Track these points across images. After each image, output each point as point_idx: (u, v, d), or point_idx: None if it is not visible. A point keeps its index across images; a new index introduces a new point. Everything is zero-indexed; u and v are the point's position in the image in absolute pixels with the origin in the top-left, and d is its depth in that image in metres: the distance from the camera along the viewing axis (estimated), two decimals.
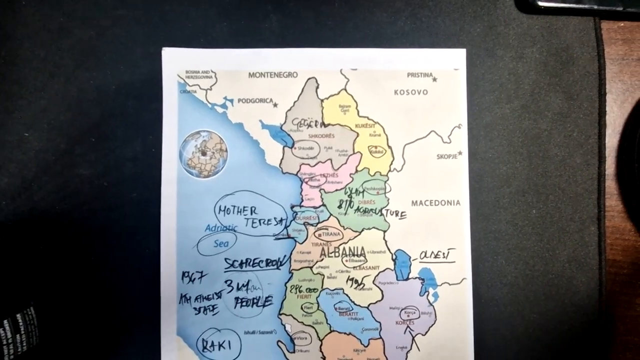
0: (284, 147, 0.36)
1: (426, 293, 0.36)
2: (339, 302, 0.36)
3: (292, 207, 0.36)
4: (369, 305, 0.36)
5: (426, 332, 0.36)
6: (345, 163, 0.36)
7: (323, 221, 0.36)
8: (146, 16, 0.36)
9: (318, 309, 0.36)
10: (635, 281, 0.37)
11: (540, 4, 0.36)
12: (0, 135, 0.36)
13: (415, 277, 0.36)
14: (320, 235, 0.36)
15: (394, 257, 0.36)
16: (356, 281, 0.36)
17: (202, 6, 0.36)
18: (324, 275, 0.36)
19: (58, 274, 0.35)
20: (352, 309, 0.36)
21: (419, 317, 0.36)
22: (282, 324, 0.36)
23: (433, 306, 0.36)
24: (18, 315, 0.30)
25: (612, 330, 0.37)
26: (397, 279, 0.36)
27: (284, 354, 0.36)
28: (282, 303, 0.36)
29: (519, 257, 0.36)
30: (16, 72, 0.36)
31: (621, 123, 0.37)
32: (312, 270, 0.36)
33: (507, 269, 0.36)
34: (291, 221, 0.36)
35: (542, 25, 0.37)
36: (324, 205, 0.36)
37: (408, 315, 0.36)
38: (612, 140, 0.37)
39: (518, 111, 0.37)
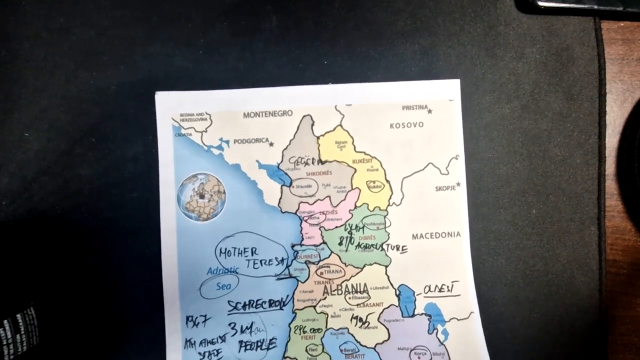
0: (282, 186, 0.36)
1: (435, 330, 0.35)
2: (344, 342, 0.35)
3: (292, 246, 0.36)
4: (375, 345, 0.35)
5: None
6: (344, 199, 0.36)
7: (324, 259, 0.36)
8: (146, 16, 0.36)
9: (323, 351, 0.35)
10: (635, 281, 0.37)
11: (540, 4, 0.36)
12: (0, 135, 0.36)
13: (422, 314, 0.35)
14: (322, 273, 0.36)
15: (397, 292, 0.36)
16: (360, 319, 0.35)
17: (202, 6, 0.36)
18: (327, 314, 0.35)
19: (58, 274, 0.35)
20: (359, 351, 0.35)
21: (431, 358, 0.35)
22: None
23: (444, 346, 0.35)
24: (18, 315, 0.30)
25: (612, 330, 0.37)
26: (402, 316, 0.35)
27: None
28: (286, 345, 0.35)
29: (519, 257, 0.36)
30: (16, 72, 0.36)
31: (621, 123, 0.37)
32: (315, 309, 0.35)
33: (507, 269, 0.36)
34: (292, 260, 0.36)
35: (542, 25, 0.37)
36: (324, 242, 0.36)
37: (419, 357, 0.35)
38: (612, 140, 0.37)
39: (518, 111, 0.37)
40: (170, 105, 0.35)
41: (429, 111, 0.36)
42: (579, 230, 0.36)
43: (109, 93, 0.36)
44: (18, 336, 0.29)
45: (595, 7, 0.36)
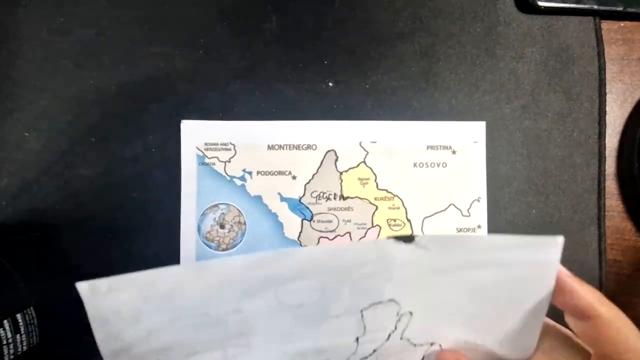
0: (302, 220, 0.36)
1: None
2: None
3: None
4: None
5: None
6: (364, 236, 0.36)
7: None
8: (146, 16, 0.36)
9: None
10: (635, 281, 0.37)
11: (540, 4, 0.36)
12: (0, 135, 0.36)
13: None
14: None
15: None
16: None
17: (202, 6, 0.36)
18: None
19: (58, 274, 0.35)
20: None
21: None
22: None
23: None
24: (18, 315, 0.30)
25: None
26: None
27: None
28: None
29: None
30: (16, 72, 0.36)
31: (621, 123, 0.37)
32: None
33: None
34: None
35: (542, 25, 0.37)
36: None
37: None
38: (612, 140, 0.37)
39: (518, 111, 0.37)
40: (195, 134, 0.36)
41: (453, 152, 0.36)
42: (579, 230, 0.36)
43: (109, 93, 0.36)
44: (18, 336, 0.29)
45: (595, 7, 0.36)
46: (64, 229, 0.35)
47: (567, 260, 0.36)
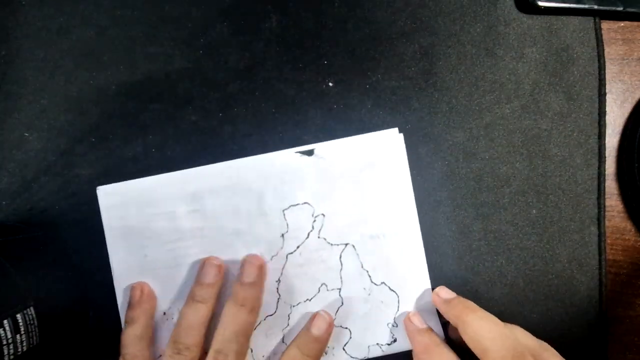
0: None
1: None
2: None
3: None
4: None
5: None
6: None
7: None
8: (146, 16, 0.36)
9: None
10: (635, 281, 0.37)
11: (540, 4, 0.36)
12: (0, 135, 0.36)
13: None
14: None
15: None
16: None
17: (202, 6, 0.36)
18: None
19: (58, 274, 0.35)
20: None
21: None
22: None
23: None
24: (18, 315, 0.30)
25: (612, 330, 0.37)
26: None
27: None
28: None
29: (519, 257, 0.36)
30: (16, 72, 0.36)
31: (621, 123, 0.37)
32: None
33: (507, 269, 0.36)
34: None
35: (542, 25, 0.37)
36: None
37: None
38: (612, 140, 0.37)
39: (518, 111, 0.37)
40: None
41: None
42: (579, 230, 0.36)
43: (109, 93, 0.36)
44: (18, 336, 0.29)
45: (595, 7, 0.36)
46: (64, 229, 0.36)
47: (567, 260, 0.36)
